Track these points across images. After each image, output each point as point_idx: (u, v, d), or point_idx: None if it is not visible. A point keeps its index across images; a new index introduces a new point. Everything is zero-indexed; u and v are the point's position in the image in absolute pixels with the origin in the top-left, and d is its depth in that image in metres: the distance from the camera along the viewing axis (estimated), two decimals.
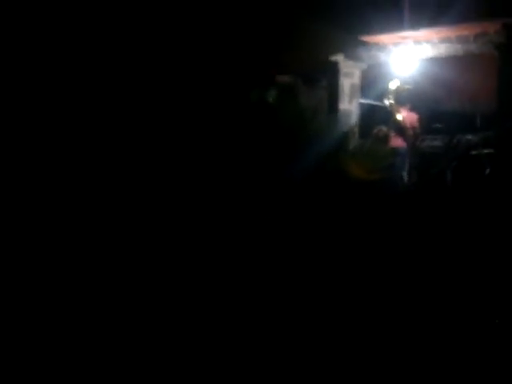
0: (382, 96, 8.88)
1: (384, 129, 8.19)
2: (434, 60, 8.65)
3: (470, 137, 8.25)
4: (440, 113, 9.29)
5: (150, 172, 6.88)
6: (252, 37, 8.09)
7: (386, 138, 8.12)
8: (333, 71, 8.80)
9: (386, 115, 8.71)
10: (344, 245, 5.97)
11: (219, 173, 7.14)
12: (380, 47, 8.66)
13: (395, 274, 5.35)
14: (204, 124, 7.56)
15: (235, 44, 7.97)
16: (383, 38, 8.42)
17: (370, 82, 9.04)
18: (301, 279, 5.26)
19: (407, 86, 8.70)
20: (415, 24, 7.93)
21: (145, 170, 6.90)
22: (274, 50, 8.27)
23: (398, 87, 8.63)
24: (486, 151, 7.70)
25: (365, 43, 8.58)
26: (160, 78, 7.47)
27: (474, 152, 7.82)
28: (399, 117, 8.54)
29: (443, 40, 8.19)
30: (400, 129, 8.52)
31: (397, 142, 8.34)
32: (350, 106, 8.95)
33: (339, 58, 8.72)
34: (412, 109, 8.71)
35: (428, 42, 8.30)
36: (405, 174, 8.22)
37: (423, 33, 8.05)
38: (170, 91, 7.53)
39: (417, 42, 8.35)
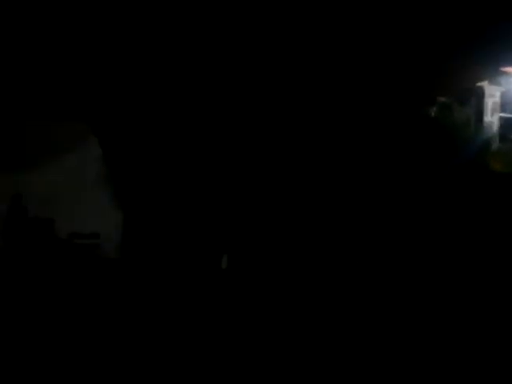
0: None
1: None
2: None
3: None
4: None
5: None
6: (420, 68, 10.64)
7: None
8: (479, 93, 11.19)
9: None
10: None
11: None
12: None
13: None
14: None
15: (409, 74, 10.73)
16: None
17: (509, 101, 11.51)
18: None
19: None
20: None
21: None
22: (435, 78, 10.75)
23: None
24: None
25: (504, 72, 11.00)
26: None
27: None
28: None
29: None
30: None
31: None
32: (493, 119, 11.29)
33: (484, 83, 11.18)
34: None
35: None
36: None
37: None
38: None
39: None
